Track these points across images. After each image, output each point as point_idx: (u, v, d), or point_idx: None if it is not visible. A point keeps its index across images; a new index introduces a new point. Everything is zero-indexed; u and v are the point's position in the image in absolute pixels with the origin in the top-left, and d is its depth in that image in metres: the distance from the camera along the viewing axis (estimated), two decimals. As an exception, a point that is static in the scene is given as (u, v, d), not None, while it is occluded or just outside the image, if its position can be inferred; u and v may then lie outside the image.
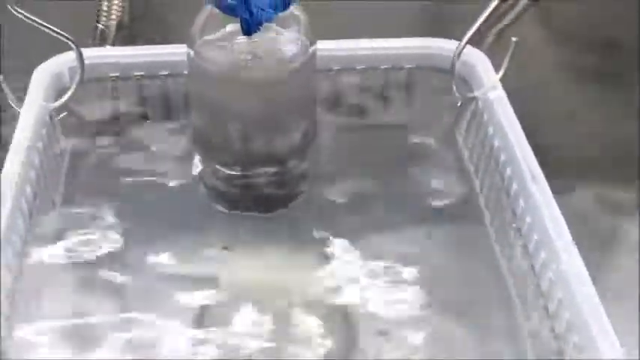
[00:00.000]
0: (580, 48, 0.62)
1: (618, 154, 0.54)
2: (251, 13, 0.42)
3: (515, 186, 0.45)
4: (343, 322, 0.42)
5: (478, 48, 0.51)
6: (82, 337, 0.41)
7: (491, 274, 0.45)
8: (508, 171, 0.46)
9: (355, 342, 0.41)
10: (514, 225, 0.45)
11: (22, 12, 0.45)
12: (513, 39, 0.49)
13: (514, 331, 0.42)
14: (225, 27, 0.44)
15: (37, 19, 0.45)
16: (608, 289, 0.38)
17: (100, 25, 0.54)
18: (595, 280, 0.38)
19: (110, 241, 0.46)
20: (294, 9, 0.44)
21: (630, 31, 0.63)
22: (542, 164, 0.44)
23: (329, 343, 0.41)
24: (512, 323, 0.42)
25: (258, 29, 0.43)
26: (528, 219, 0.43)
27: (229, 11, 0.42)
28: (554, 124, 0.55)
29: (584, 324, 0.36)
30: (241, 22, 0.42)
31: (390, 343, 0.41)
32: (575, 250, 0.39)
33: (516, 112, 0.47)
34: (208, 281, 0.44)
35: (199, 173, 0.49)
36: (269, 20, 0.43)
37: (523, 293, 0.43)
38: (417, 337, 0.41)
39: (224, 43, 0.45)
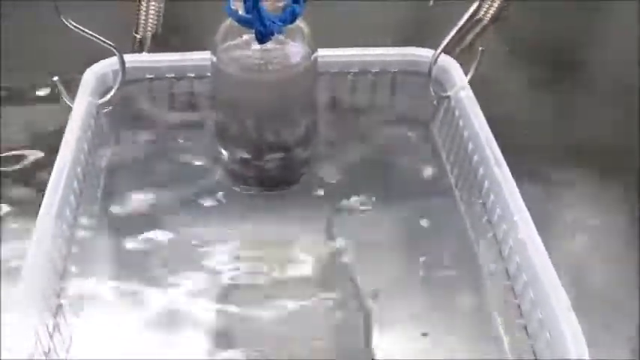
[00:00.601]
0: (534, 56, 0.63)
1: (564, 144, 0.54)
2: (264, 26, 0.42)
3: (481, 170, 0.45)
4: (339, 272, 0.44)
5: (451, 56, 0.51)
6: (134, 283, 0.42)
7: (461, 240, 0.45)
8: (475, 157, 0.46)
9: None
10: (480, 201, 0.45)
11: (73, 23, 0.45)
12: (480, 48, 0.49)
13: (479, 286, 0.43)
14: (242, 36, 0.44)
15: (86, 30, 0.45)
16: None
17: (137, 36, 0.54)
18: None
19: (147, 209, 0.47)
20: (299, 22, 0.44)
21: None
22: (504, 152, 0.44)
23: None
24: (478, 281, 0.43)
25: (270, 39, 0.43)
26: (492, 196, 0.44)
27: (246, 23, 0.43)
28: (516, 119, 0.56)
29: (539, 281, 0.37)
30: (256, 32, 0.42)
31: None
32: (531, 222, 0.40)
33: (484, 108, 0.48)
34: (228, 238, 0.45)
35: (219, 158, 0.49)
36: (279, 31, 0.43)
37: (488, 258, 0.43)
38: (400, 284, 0.43)
39: (241, 50, 0.45)
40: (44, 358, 0.37)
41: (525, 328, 0.39)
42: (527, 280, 0.38)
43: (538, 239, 0.39)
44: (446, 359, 0.39)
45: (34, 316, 0.36)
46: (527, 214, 0.40)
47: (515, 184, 0.42)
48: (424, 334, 0.40)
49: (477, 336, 0.40)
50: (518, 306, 0.40)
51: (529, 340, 0.38)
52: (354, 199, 0.48)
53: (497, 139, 0.45)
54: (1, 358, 0.33)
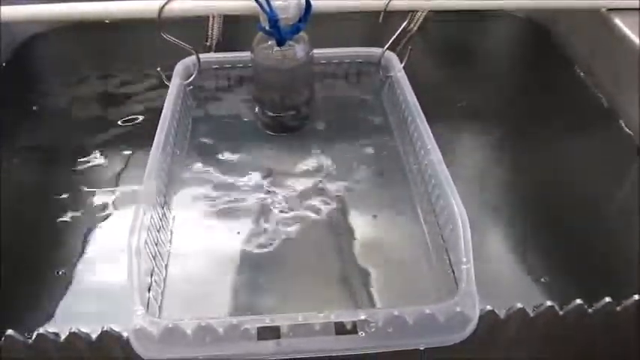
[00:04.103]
0: (443, 51, 0.61)
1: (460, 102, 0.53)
2: (281, 36, 0.41)
3: (409, 118, 0.44)
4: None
5: (393, 52, 0.50)
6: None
7: (396, 161, 0.45)
8: (406, 112, 0.45)
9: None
10: (408, 137, 0.44)
11: (169, 36, 0.44)
12: (409, 47, 0.49)
13: (407, 188, 0.42)
14: (268, 42, 0.44)
15: (176, 40, 0.44)
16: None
17: (207, 43, 0.53)
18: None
19: (216, 144, 0.47)
20: (302, 33, 0.43)
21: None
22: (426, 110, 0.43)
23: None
24: (406, 186, 0.42)
25: (285, 43, 0.42)
26: (415, 134, 0.42)
27: (270, 34, 0.42)
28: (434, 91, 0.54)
29: (441, 183, 0.36)
30: (276, 40, 0.42)
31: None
32: (437, 149, 0.39)
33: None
34: (260, 162, 0.45)
35: (257, 114, 0.49)
36: (290, 38, 0.42)
37: (413, 171, 0.43)
38: (359, 185, 0.43)
39: (268, 50, 0.44)
40: (158, 229, 0.37)
41: (434, 210, 0.39)
42: (435, 183, 0.38)
43: (441, 159, 0.38)
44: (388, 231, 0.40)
45: (151, 203, 0.37)
46: (435, 145, 0.39)
47: (428, 126, 0.41)
48: (374, 216, 0.40)
49: (407, 216, 0.40)
50: (429, 198, 0.39)
51: (435, 218, 0.38)
52: (333, 136, 0.47)
53: (419, 101, 0.44)
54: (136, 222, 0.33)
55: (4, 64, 0.57)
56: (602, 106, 0.48)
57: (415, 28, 0.58)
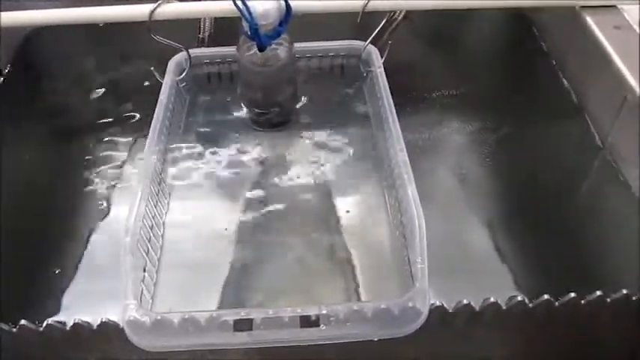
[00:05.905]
0: (427, 37, 0.60)
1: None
2: (261, 42, 0.42)
3: (382, 110, 0.45)
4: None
5: (375, 45, 0.50)
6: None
7: (372, 157, 0.46)
8: (382, 106, 0.45)
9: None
10: (382, 126, 0.45)
11: (160, 37, 0.44)
12: (389, 42, 0.49)
13: (381, 183, 0.44)
14: (251, 44, 0.44)
15: (168, 41, 0.45)
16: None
17: (199, 36, 0.53)
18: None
19: (208, 135, 0.49)
20: (284, 36, 0.44)
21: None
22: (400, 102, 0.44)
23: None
24: (380, 171, 0.44)
25: (265, 48, 0.43)
26: (386, 125, 0.43)
27: (252, 39, 0.43)
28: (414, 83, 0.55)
29: (405, 186, 0.38)
30: (257, 46, 0.43)
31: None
32: (405, 152, 0.40)
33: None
34: (249, 156, 0.47)
35: (245, 112, 0.50)
36: (270, 44, 0.43)
37: (385, 168, 0.44)
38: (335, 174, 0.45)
39: (251, 52, 0.45)
40: (152, 224, 0.40)
41: (399, 209, 0.41)
42: (399, 184, 0.40)
43: (407, 160, 0.39)
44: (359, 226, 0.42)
45: (145, 199, 0.39)
46: (403, 145, 0.40)
47: (396, 117, 0.42)
48: (347, 212, 0.42)
49: (378, 212, 0.42)
50: (397, 196, 0.41)
51: (400, 217, 0.40)
52: (316, 130, 0.49)
53: (397, 87, 0.45)
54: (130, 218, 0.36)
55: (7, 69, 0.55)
56: (572, 101, 0.49)
57: (400, 17, 0.58)
